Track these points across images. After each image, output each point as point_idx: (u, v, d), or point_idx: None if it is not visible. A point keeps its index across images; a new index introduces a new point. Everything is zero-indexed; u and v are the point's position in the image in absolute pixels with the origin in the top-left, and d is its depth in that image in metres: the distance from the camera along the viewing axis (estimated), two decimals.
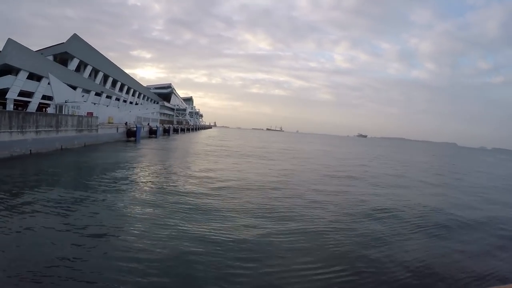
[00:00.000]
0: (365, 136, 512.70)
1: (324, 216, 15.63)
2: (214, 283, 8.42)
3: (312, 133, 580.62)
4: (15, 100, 41.62)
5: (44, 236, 10.60)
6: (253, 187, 21.78)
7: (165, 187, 20.32)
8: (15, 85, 40.85)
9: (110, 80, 71.83)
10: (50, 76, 40.78)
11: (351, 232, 13.47)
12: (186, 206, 15.59)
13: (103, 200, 15.87)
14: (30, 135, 28.64)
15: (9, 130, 25.19)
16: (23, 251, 9.34)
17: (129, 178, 22.22)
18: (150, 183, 21.43)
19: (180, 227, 12.44)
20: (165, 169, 28.35)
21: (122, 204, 15.32)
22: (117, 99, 75.99)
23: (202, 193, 18.93)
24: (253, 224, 13.58)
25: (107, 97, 69.83)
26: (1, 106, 36.20)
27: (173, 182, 21.98)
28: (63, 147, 34.87)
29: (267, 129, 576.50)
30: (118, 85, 77.26)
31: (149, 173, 25.22)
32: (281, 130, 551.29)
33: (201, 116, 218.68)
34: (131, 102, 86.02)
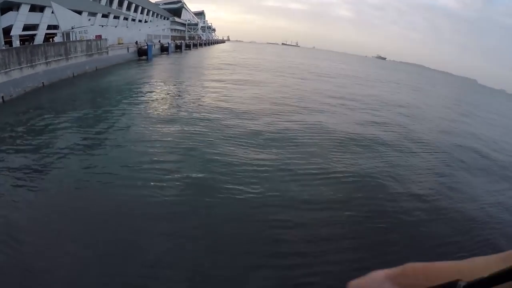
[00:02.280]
0: (384, 59, 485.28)
1: None
2: None
3: (329, 50, 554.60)
4: (20, 35, 42.79)
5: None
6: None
7: (180, 103, 22.37)
8: (18, 20, 41.61)
9: (116, 0, 70.98)
10: (53, 4, 41.13)
11: None
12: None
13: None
14: (40, 68, 30.05)
15: (18, 67, 26.33)
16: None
17: (146, 97, 24.12)
18: (165, 99, 23.42)
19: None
20: (178, 85, 29.78)
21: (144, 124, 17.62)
22: (125, 19, 75.53)
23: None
24: None
25: (115, 17, 69.62)
26: (8, 45, 37.12)
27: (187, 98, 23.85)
28: (75, 74, 36.60)
29: (283, 43, 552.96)
30: (125, 4, 76.03)
31: (163, 90, 26.98)
32: (297, 45, 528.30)
33: (214, 30, 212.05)
34: (140, 21, 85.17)
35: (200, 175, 12.15)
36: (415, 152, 17.75)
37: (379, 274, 0.69)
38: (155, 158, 13.26)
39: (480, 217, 11.55)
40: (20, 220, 9.00)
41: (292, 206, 10.41)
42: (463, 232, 10.27)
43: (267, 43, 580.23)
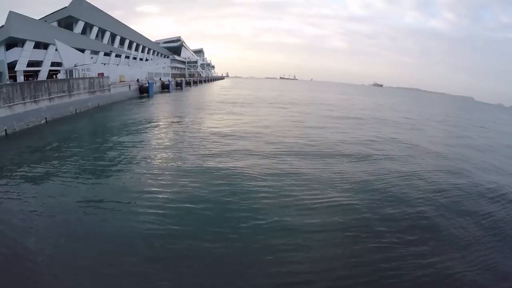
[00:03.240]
0: (381, 86, 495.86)
1: None
2: None
3: (326, 81, 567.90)
4: (24, 71, 43.14)
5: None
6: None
7: (182, 139, 21.86)
8: (22, 56, 42.17)
9: (117, 39, 72.17)
10: (57, 42, 41.73)
11: None
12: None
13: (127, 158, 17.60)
14: (43, 103, 29.90)
15: (22, 102, 26.25)
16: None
17: (147, 134, 23.71)
18: (168, 137, 22.97)
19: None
20: (180, 122, 29.57)
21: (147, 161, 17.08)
22: (127, 57, 76.63)
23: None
24: None
25: (117, 56, 70.58)
26: (12, 80, 37.20)
27: (190, 134, 23.46)
28: (77, 111, 36.27)
29: (281, 77, 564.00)
30: (127, 43, 77.50)
31: (165, 127, 26.68)
32: (294, 79, 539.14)
33: (213, 67, 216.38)
34: (141, 59, 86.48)
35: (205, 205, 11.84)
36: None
37: None
38: (154, 195, 12.74)
39: (478, 236, 11.24)
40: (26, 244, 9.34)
41: None
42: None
43: (265, 77, 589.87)
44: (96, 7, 64.04)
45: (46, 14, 51.70)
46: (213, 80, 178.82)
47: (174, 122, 29.55)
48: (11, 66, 40.84)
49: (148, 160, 17.40)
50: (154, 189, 13.58)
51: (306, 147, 21.79)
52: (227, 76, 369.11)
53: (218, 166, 16.77)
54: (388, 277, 8.62)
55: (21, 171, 15.62)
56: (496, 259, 9.83)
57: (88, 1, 61.31)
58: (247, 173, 15.87)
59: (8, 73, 36.74)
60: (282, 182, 14.47)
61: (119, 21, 74.37)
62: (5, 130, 23.58)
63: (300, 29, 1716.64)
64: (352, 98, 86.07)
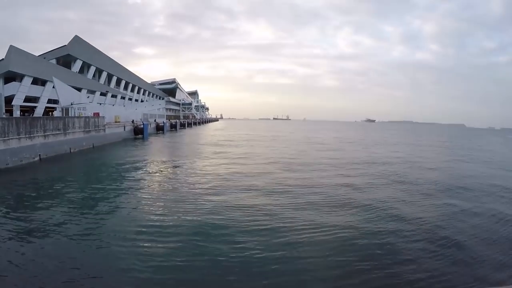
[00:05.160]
0: (374, 121, 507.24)
1: None
2: None
3: (319, 120, 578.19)
4: (21, 106, 42.17)
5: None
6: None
7: (175, 183, 20.50)
8: (20, 91, 41.36)
9: (114, 79, 72.19)
10: (54, 79, 41.05)
11: None
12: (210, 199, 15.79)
13: (120, 201, 16.13)
14: (38, 140, 28.78)
15: (17, 137, 25.30)
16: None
17: (140, 177, 22.46)
18: (161, 179, 21.65)
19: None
20: (173, 164, 28.54)
21: (141, 202, 15.61)
22: (123, 98, 76.38)
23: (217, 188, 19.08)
24: None
25: (113, 96, 70.26)
26: (8, 113, 36.55)
27: (183, 177, 22.19)
28: (72, 150, 34.94)
29: (274, 118, 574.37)
30: (123, 83, 77.59)
31: (158, 170, 25.46)
32: (288, 119, 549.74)
33: (207, 109, 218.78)
34: (136, 100, 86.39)
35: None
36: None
37: None
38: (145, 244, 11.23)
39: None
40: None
41: None
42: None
43: (259, 118, 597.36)
44: (94, 47, 64.39)
45: (46, 51, 51.46)
46: (207, 122, 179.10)
47: (169, 165, 28.30)
48: (8, 100, 40.03)
49: (143, 202, 15.93)
50: (148, 224, 12.69)
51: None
52: (221, 117, 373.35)
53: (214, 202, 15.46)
54: None
55: (12, 205, 14.92)
56: None
57: (87, 41, 61.62)
58: (242, 207, 14.75)
59: (5, 107, 35.85)
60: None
61: (116, 62, 74.78)
62: None
63: (292, 70, 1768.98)
64: (342, 135, 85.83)
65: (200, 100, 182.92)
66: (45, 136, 30.10)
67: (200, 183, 20.27)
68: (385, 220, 13.60)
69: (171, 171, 24.92)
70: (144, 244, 10.68)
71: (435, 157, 38.85)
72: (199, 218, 13.29)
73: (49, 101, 46.77)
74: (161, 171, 25.06)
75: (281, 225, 12.65)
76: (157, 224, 12.66)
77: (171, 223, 12.74)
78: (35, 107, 44.90)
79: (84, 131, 39.68)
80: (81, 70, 59.13)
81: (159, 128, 76.06)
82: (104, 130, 46.86)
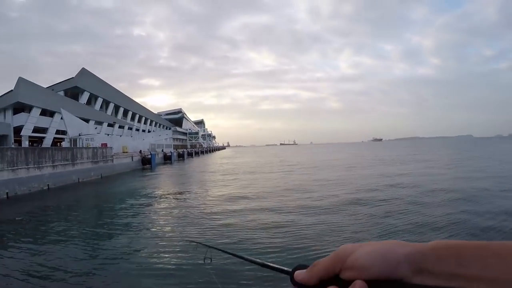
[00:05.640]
0: (380, 140, 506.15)
1: None
2: None
3: (326, 143, 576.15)
4: (29, 136, 42.05)
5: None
6: None
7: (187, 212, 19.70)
8: (29, 122, 41.34)
9: (121, 110, 72.48)
10: (62, 111, 41.06)
11: None
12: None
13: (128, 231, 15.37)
14: (47, 170, 28.47)
15: (26, 167, 25.06)
16: None
17: (150, 207, 21.74)
18: (170, 210, 20.87)
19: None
20: (184, 194, 27.78)
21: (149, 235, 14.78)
22: (130, 128, 76.46)
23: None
24: None
25: (120, 127, 70.30)
26: (17, 143, 36.45)
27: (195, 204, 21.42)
28: (80, 180, 34.42)
29: (281, 144, 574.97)
30: (130, 114, 77.89)
31: (168, 200, 24.72)
32: (294, 144, 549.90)
33: (214, 137, 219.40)
34: (143, 130, 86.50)
35: None
36: None
37: (394, 250, 0.59)
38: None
39: None
40: None
41: None
42: None
43: (266, 145, 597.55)
44: (101, 79, 65.11)
45: (54, 83, 51.85)
46: (215, 150, 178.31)
47: (178, 195, 27.55)
48: (17, 130, 40.02)
49: (152, 231, 15.13)
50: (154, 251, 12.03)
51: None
52: (228, 145, 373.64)
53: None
54: None
55: (20, 232, 14.82)
56: None
57: (94, 74, 62.23)
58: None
59: (14, 137, 35.86)
60: None
61: (123, 93, 75.48)
62: (7, 193, 22.92)
63: (296, 94, 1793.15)
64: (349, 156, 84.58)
65: (207, 129, 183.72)
66: (53, 166, 29.79)
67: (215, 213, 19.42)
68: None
69: (181, 201, 24.15)
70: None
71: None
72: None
73: (58, 132, 46.67)
74: (171, 201, 24.30)
75: None
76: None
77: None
78: (44, 137, 44.78)
79: (92, 161, 39.27)
80: (89, 102, 59.44)
81: (167, 158, 75.54)
82: (112, 160, 46.40)
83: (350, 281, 0.61)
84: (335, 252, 0.66)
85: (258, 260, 0.94)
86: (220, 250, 1.46)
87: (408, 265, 0.55)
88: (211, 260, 1.50)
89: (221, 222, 16.17)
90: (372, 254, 0.60)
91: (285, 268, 0.74)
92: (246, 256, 1.03)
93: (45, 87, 47.70)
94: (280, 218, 16.45)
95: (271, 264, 0.84)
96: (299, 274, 0.66)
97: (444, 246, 0.52)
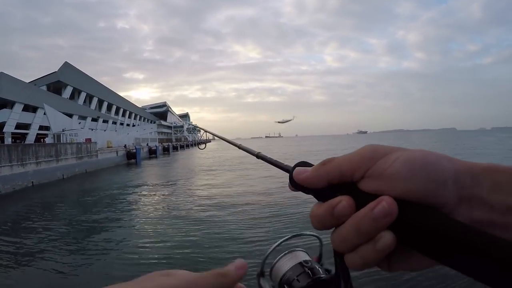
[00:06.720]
0: (365, 132, 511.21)
1: None
2: None
3: (311, 135, 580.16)
4: (12, 133, 41.58)
5: None
6: None
7: (172, 205, 20.01)
8: (11, 118, 40.88)
9: (105, 105, 71.85)
10: (45, 106, 40.67)
11: None
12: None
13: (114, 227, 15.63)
14: (30, 167, 28.35)
15: (9, 164, 24.90)
16: None
17: (136, 201, 21.96)
18: (157, 203, 21.13)
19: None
20: (170, 187, 28.02)
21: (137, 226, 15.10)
22: (114, 123, 75.88)
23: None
24: None
25: (104, 121, 69.74)
26: (0, 141, 36.15)
27: (180, 199, 21.71)
28: (64, 176, 34.31)
29: (266, 136, 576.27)
30: (114, 108, 77.27)
31: (154, 193, 24.94)
32: (280, 136, 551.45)
33: (199, 131, 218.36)
34: (128, 124, 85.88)
35: None
36: None
37: (441, 163, 0.42)
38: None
39: None
40: None
41: None
42: None
43: (251, 137, 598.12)
44: (85, 73, 64.39)
45: (36, 78, 51.23)
46: (200, 144, 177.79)
47: (164, 189, 27.72)
48: (0, 127, 39.56)
49: (138, 225, 15.46)
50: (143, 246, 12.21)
51: None
52: (214, 138, 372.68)
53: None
54: None
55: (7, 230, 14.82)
56: None
57: (77, 67, 61.56)
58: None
59: None
60: None
61: (107, 87, 74.81)
62: None
63: (281, 87, 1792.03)
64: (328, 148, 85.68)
65: (192, 122, 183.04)
66: (37, 163, 29.66)
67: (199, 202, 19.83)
68: None
69: (167, 194, 24.43)
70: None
71: None
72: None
73: (41, 127, 46.20)
74: (157, 194, 24.56)
75: None
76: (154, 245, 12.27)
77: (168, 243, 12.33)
78: (27, 134, 44.30)
79: (76, 157, 39.10)
80: (72, 96, 58.82)
81: (152, 152, 75.30)
82: (97, 155, 46.18)
83: (371, 195, 0.42)
84: (360, 150, 0.46)
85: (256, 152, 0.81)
86: None
87: (455, 188, 0.40)
88: None
89: (207, 213, 16.73)
90: (412, 163, 0.42)
91: (285, 164, 0.55)
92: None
93: (28, 82, 47.11)
94: (263, 198, 18.00)
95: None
96: (301, 172, 0.46)
97: (502, 169, 0.40)
